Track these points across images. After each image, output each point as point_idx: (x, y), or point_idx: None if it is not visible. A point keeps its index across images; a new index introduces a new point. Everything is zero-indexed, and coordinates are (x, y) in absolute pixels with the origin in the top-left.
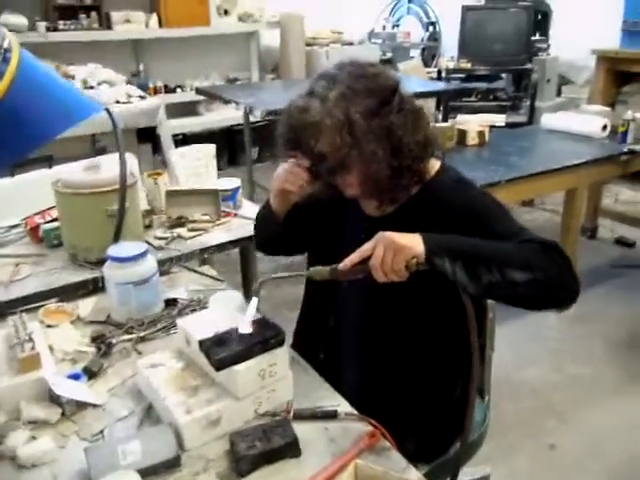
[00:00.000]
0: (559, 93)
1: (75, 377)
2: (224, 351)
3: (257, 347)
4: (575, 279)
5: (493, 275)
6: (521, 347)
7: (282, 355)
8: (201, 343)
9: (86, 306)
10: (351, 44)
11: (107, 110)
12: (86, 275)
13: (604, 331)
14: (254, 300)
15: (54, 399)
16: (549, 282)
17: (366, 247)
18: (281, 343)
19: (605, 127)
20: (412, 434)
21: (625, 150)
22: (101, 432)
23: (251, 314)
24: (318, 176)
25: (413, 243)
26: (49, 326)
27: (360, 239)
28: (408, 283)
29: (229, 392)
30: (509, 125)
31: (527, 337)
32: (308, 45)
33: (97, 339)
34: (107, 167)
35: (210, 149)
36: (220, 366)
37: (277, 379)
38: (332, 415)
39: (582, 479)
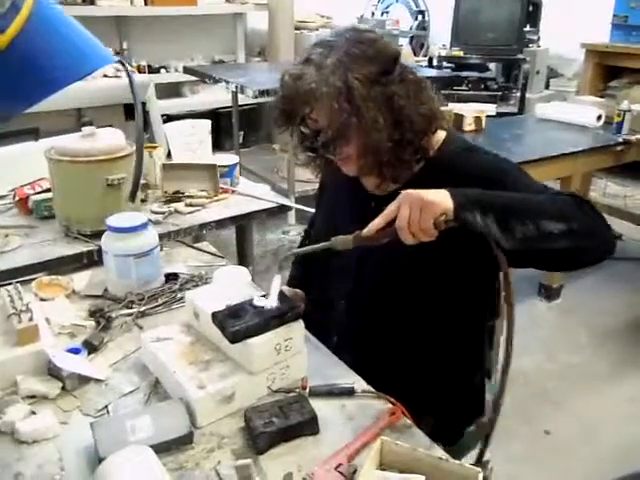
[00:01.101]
0: (547, 86)
1: (75, 351)
2: (239, 323)
3: (274, 320)
4: (609, 228)
5: (527, 228)
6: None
7: (298, 330)
8: (214, 315)
9: (81, 280)
10: None
11: (121, 62)
12: (81, 247)
13: (592, 321)
14: (278, 276)
15: (53, 373)
16: (586, 232)
17: (390, 209)
18: (297, 317)
19: (600, 117)
20: (428, 413)
21: (620, 140)
22: (105, 407)
23: (276, 288)
24: (314, 152)
25: (440, 198)
26: (43, 300)
27: (368, 220)
28: (426, 258)
29: (243, 367)
30: (499, 115)
31: (518, 327)
32: (297, 29)
33: (95, 313)
34: (103, 136)
35: (205, 124)
36: (235, 339)
37: (292, 354)
38: (349, 392)
39: (576, 464)
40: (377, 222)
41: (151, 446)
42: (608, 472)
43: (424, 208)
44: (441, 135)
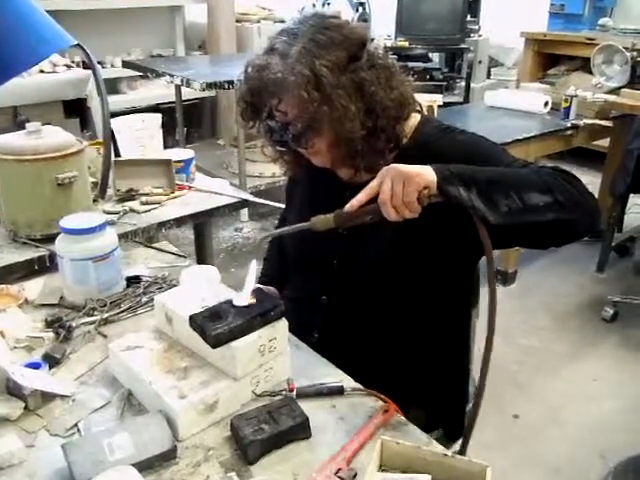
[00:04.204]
0: (489, 75)
1: (35, 366)
2: (220, 326)
3: (256, 320)
4: (595, 198)
5: (512, 200)
6: None
7: (282, 328)
8: (192, 318)
9: (33, 288)
10: (283, 21)
11: (79, 45)
12: (30, 253)
13: (548, 303)
14: (253, 264)
15: (13, 391)
16: (571, 203)
17: (372, 184)
18: (281, 315)
19: (547, 104)
20: (418, 405)
21: (569, 125)
22: (75, 426)
23: (251, 282)
24: (284, 147)
25: (423, 171)
26: None
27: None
28: (408, 246)
29: (225, 372)
30: (445, 105)
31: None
32: (238, 21)
33: (53, 323)
34: (50, 133)
35: (155, 118)
36: (217, 343)
37: (275, 355)
38: (338, 391)
39: (546, 447)
40: (359, 198)
41: (132, 465)
42: (577, 452)
43: (407, 181)
44: (415, 119)
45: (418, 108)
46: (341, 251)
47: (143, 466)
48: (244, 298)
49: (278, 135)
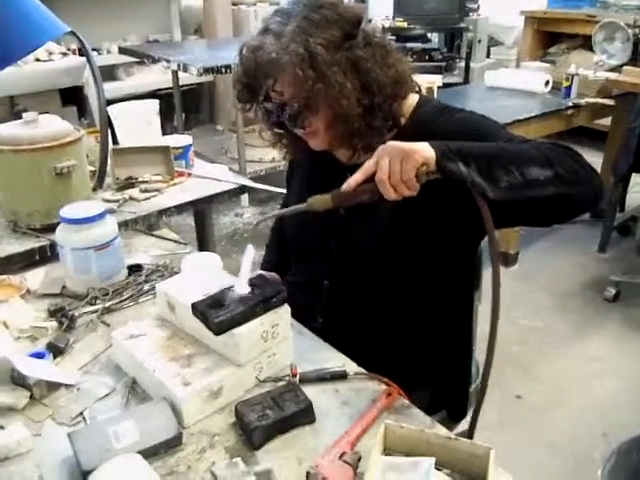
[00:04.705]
0: (488, 54)
1: (39, 356)
2: (222, 313)
3: (259, 307)
4: (596, 172)
5: (512, 175)
6: None
7: (285, 314)
8: (195, 306)
9: (35, 278)
10: (279, 4)
11: (73, 32)
12: (31, 243)
13: (550, 284)
14: (250, 250)
15: (19, 381)
16: (573, 177)
17: (369, 163)
18: (283, 301)
19: (547, 83)
20: (423, 387)
21: (570, 104)
22: (81, 414)
23: (248, 269)
24: (281, 128)
25: (421, 148)
26: None
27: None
28: (409, 227)
29: (228, 359)
30: (445, 85)
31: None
32: (234, 4)
33: (56, 313)
34: (47, 122)
35: (153, 104)
36: (220, 330)
37: (279, 341)
38: (341, 376)
39: (549, 426)
40: (356, 177)
41: (138, 452)
42: (580, 432)
43: (405, 158)
44: (413, 99)
45: (417, 89)
46: (340, 234)
47: (149, 453)
48: (244, 285)
49: (275, 116)
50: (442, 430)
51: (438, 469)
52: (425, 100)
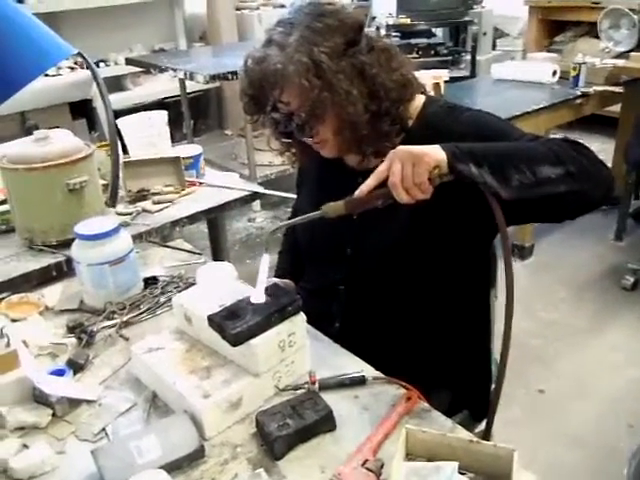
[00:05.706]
0: (494, 46)
1: (59, 373)
2: (239, 324)
3: (274, 316)
4: (607, 166)
5: (524, 175)
6: None
7: (300, 322)
8: (211, 318)
9: (52, 294)
10: (283, 7)
11: (80, 54)
12: (48, 260)
13: (566, 275)
14: (265, 258)
15: (41, 400)
16: (584, 173)
17: (381, 168)
18: (298, 310)
19: (555, 73)
20: (444, 387)
21: (579, 93)
22: (103, 430)
23: (264, 277)
24: (289, 138)
25: (432, 150)
26: (14, 320)
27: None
28: (423, 229)
29: (247, 369)
30: (452, 80)
31: None
32: (237, 9)
33: (75, 328)
34: (57, 139)
35: (162, 115)
36: (237, 341)
37: (296, 349)
38: (360, 381)
39: (573, 419)
40: (369, 183)
41: (161, 467)
42: (604, 423)
43: (416, 162)
44: (420, 101)
45: (422, 89)
46: (354, 239)
47: (172, 467)
48: (260, 295)
49: (283, 126)
50: (463, 433)
51: (462, 473)
52: (431, 100)
